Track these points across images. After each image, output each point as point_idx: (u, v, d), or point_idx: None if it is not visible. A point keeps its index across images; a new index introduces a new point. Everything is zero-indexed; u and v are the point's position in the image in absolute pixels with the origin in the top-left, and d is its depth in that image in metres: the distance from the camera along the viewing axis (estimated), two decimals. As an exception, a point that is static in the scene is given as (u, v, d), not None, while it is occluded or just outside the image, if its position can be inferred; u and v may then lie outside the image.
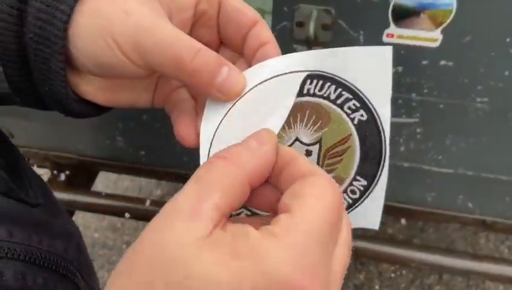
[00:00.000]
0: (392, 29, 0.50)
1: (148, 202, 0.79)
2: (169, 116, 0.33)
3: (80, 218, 1.34)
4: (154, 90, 0.33)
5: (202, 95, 0.31)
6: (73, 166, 0.84)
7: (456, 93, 0.56)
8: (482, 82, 0.54)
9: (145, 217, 0.82)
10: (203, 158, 0.30)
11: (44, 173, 0.89)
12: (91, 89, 0.30)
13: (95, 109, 0.32)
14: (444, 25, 0.49)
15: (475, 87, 0.55)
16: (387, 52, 0.29)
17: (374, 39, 0.51)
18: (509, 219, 0.73)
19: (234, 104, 0.29)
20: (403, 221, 1.21)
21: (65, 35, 0.26)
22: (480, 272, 0.74)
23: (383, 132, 0.30)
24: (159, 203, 0.81)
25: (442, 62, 0.53)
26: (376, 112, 0.30)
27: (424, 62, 0.53)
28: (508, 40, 0.49)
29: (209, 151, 0.30)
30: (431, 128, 0.62)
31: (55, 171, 0.84)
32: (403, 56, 0.53)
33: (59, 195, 0.79)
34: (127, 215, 0.79)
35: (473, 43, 0.50)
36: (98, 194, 0.82)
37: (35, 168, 0.86)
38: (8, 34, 0.27)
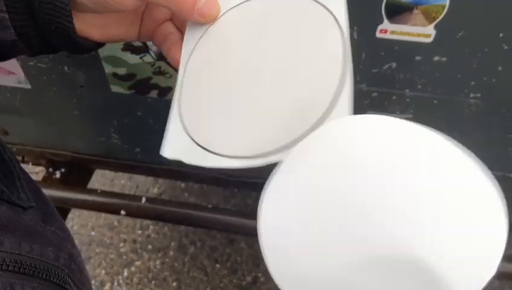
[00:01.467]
0: (386, 25, 0.50)
1: (143, 199, 0.79)
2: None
3: (77, 216, 1.34)
4: (140, 24, 0.40)
5: (186, 20, 0.38)
6: (68, 163, 0.84)
7: (449, 89, 0.56)
8: (475, 78, 0.54)
9: (141, 214, 0.81)
10: (181, 68, 0.36)
11: (39, 171, 0.89)
12: (86, 27, 0.36)
13: (94, 43, 0.38)
14: (437, 20, 0.49)
15: (468, 82, 0.55)
16: None
17: (368, 35, 0.51)
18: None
19: (209, 26, 0.36)
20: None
21: None
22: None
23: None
24: (155, 201, 0.81)
25: (436, 58, 0.53)
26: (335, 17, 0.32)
27: (418, 58, 0.53)
28: (501, 35, 0.49)
29: (187, 62, 0.36)
30: (425, 124, 0.61)
31: (50, 169, 0.84)
32: (397, 52, 0.53)
33: (54, 193, 0.79)
34: (122, 212, 0.79)
35: (466, 39, 0.51)
36: (93, 192, 0.81)
37: (30, 166, 0.86)
38: None
